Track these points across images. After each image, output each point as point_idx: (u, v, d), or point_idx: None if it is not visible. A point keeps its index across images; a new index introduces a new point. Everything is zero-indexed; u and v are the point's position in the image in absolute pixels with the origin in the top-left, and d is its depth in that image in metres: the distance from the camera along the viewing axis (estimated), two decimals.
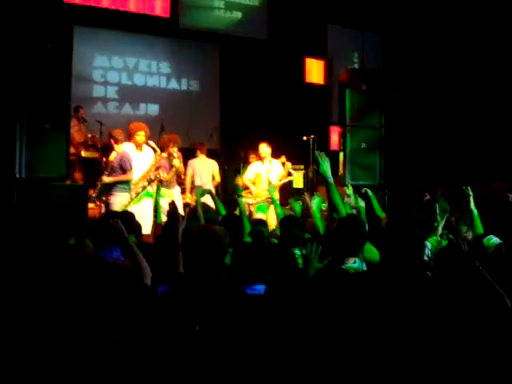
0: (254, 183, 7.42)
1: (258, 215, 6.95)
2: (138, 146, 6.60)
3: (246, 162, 8.16)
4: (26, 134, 5.16)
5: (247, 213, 6.12)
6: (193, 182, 7.52)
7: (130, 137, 6.60)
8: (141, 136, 6.54)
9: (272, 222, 6.59)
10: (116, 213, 4.71)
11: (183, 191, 7.47)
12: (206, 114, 10.37)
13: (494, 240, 3.57)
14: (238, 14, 10.25)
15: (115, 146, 6.37)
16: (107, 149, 6.78)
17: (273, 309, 2.49)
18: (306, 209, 5.20)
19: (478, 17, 7.24)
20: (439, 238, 3.92)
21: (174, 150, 6.73)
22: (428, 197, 4.55)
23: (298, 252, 3.63)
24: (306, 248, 2.70)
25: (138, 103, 10.15)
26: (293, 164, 7.87)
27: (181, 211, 4.54)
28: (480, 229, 4.03)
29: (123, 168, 6.26)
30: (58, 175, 5.40)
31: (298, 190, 7.57)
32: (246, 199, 7.00)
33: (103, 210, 6.28)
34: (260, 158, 7.52)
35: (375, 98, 7.14)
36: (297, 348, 2.30)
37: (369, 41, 10.60)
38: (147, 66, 10.25)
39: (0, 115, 5.09)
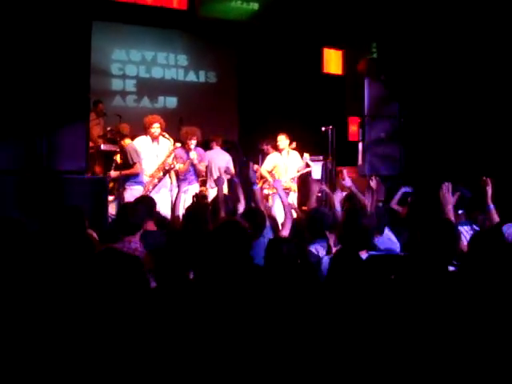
0: (272, 174, 7.42)
1: (276, 205, 6.95)
2: (154, 139, 6.65)
3: (265, 154, 8.15)
4: (46, 126, 5.23)
5: (265, 202, 6.13)
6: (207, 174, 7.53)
7: (145, 130, 6.67)
8: (155, 128, 6.60)
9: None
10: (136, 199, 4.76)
11: (203, 183, 7.51)
12: (224, 105, 10.38)
13: None
14: (255, 5, 10.19)
15: (122, 141, 6.46)
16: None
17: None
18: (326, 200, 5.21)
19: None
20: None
21: (192, 143, 6.76)
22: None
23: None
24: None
25: (157, 96, 10.19)
26: (311, 155, 7.84)
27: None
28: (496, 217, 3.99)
29: (129, 162, 6.33)
30: (77, 168, 5.46)
31: (316, 180, 7.52)
32: (263, 190, 7.00)
33: (114, 205, 6.33)
34: (277, 149, 7.51)
35: (394, 87, 7.08)
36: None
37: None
38: (165, 58, 10.28)
39: (20, 108, 5.14)
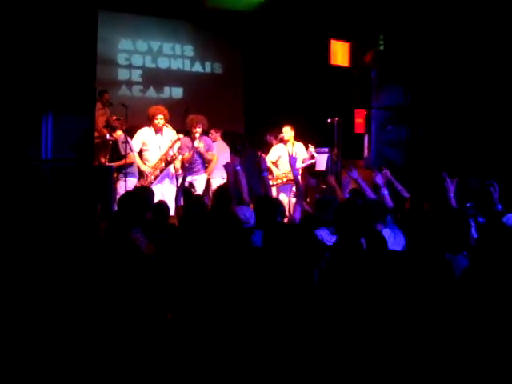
0: (276, 165, 7.43)
1: (281, 197, 6.95)
2: (158, 130, 6.66)
3: (269, 145, 8.14)
4: (52, 116, 5.25)
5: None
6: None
7: (148, 121, 6.68)
8: (159, 120, 6.61)
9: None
10: (135, 189, 4.79)
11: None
12: (229, 96, 10.37)
13: None
14: None
15: (114, 133, 6.50)
16: (132, 132, 6.88)
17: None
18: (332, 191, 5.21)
19: None
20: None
21: (197, 131, 6.74)
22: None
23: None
24: None
25: (162, 86, 10.18)
26: (317, 147, 7.83)
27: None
28: None
29: (121, 153, 6.36)
30: (82, 157, 5.49)
31: (320, 172, 7.51)
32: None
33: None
34: (281, 141, 7.50)
35: (401, 80, 7.05)
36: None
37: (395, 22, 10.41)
38: (171, 49, 10.26)
39: (26, 98, 5.17)
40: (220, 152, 7.36)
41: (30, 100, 5.18)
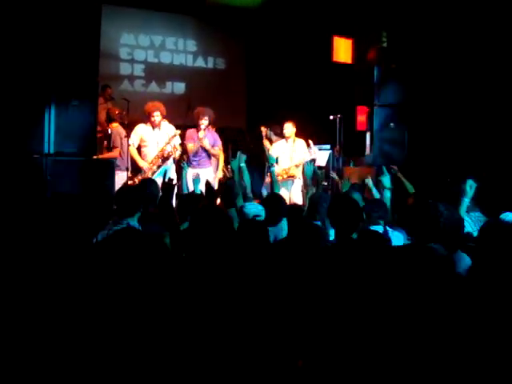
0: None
1: (281, 192, 6.95)
2: (155, 126, 6.69)
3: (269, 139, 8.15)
4: (55, 110, 5.26)
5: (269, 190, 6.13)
6: None
7: (146, 117, 6.73)
8: (156, 116, 6.64)
9: (294, 200, 6.63)
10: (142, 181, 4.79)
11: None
12: (232, 92, 10.36)
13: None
14: None
15: (110, 125, 6.55)
16: (132, 127, 6.90)
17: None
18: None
19: None
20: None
21: (203, 123, 6.79)
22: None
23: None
24: None
25: (165, 81, 10.19)
26: (319, 143, 7.83)
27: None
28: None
29: (111, 145, 6.41)
30: (85, 151, 5.50)
31: (320, 167, 7.50)
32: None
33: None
34: (282, 136, 7.50)
35: (404, 77, 7.04)
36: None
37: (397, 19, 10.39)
38: (174, 43, 10.26)
39: (29, 92, 5.17)
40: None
41: (33, 94, 5.18)
